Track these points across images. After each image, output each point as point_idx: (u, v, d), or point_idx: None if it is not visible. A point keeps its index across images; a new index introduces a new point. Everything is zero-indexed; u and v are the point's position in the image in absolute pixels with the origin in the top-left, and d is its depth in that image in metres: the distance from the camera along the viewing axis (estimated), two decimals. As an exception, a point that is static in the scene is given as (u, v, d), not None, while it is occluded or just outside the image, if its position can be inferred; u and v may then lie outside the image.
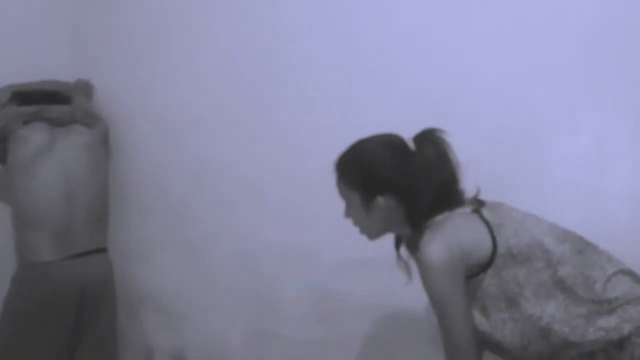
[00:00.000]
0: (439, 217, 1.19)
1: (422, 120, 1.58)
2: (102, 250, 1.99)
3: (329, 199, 1.65)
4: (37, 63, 2.20)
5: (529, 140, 1.54)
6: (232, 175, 1.99)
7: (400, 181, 1.20)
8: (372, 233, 1.30)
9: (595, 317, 1.14)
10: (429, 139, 1.23)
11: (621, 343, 1.13)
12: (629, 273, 1.19)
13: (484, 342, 1.21)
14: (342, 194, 1.29)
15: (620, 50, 1.46)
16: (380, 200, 1.21)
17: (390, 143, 1.24)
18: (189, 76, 2.08)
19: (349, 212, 1.30)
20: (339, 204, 1.74)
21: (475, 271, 1.16)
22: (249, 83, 1.96)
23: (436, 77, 1.64)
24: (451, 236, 1.15)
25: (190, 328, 2.08)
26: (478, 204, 1.23)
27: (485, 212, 1.21)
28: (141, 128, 2.20)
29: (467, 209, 1.22)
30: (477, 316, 1.18)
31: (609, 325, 1.13)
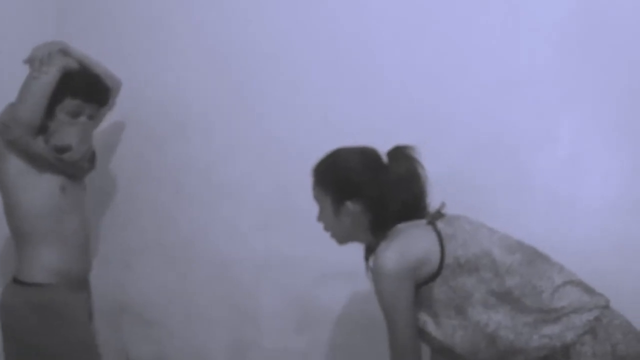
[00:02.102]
0: (397, 227, 1.28)
1: (403, 129, 1.63)
2: None
3: (311, 207, 1.66)
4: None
5: (505, 152, 1.58)
6: (213, 183, 1.99)
7: (370, 190, 1.29)
8: (340, 237, 1.39)
9: (541, 325, 1.18)
10: (402, 155, 1.32)
11: (567, 351, 1.17)
12: (578, 284, 1.23)
13: (438, 348, 1.26)
14: (317, 197, 1.38)
15: (595, 63, 1.50)
16: (349, 205, 1.30)
17: (365, 153, 1.34)
18: (170, 81, 2.08)
19: (321, 216, 1.39)
20: (321, 213, 1.75)
21: (425, 280, 1.23)
22: (231, 89, 1.96)
23: (416, 88, 1.67)
24: (405, 246, 1.24)
25: (170, 337, 2.06)
26: (436, 216, 1.30)
27: (440, 224, 1.28)
28: (121, 133, 2.19)
29: (423, 221, 1.30)
30: (430, 323, 1.24)
31: (552, 332, 1.17)
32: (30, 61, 1.73)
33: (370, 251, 1.38)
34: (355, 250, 1.68)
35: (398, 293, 1.21)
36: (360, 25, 1.77)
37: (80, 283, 1.85)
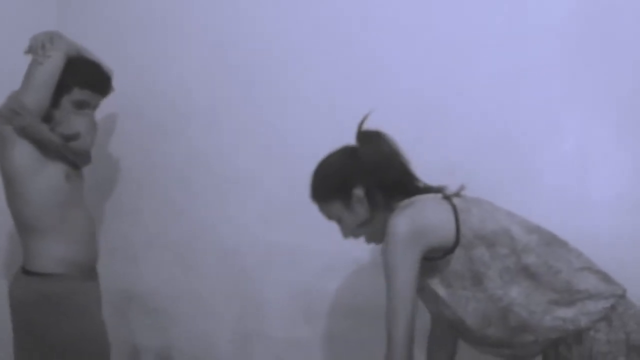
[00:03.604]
0: (410, 200, 1.30)
1: (407, 123, 1.62)
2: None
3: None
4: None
5: (511, 147, 1.57)
6: (219, 175, 1.99)
7: (360, 170, 1.31)
8: (371, 234, 1.38)
9: (554, 306, 1.19)
10: (364, 136, 1.36)
11: (579, 336, 1.17)
12: (595, 272, 1.23)
13: (450, 319, 1.27)
14: (329, 213, 1.40)
15: (601, 57, 1.49)
16: (356, 192, 1.32)
17: (335, 151, 1.39)
18: (176, 72, 2.08)
19: (343, 229, 1.40)
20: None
21: (442, 252, 1.23)
22: (236, 82, 1.96)
23: (421, 83, 1.66)
24: (417, 213, 1.24)
25: (176, 327, 2.08)
26: (453, 195, 1.32)
27: (455, 199, 1.30)
28: (126, 125, 2.20)
29: (439, 195, 1.32)
30: (444, 292, 1.25)
31: (566, 315, 1.18)
32: (31, 49, 1.71)
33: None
34: (358, 242, 1.69)
35: (403, 257, 1.21)
36: (364, 20, 1.76)
37: (90, 272, 1.85)
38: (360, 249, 1.74)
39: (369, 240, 1.40)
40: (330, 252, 1.77)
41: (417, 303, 1.24)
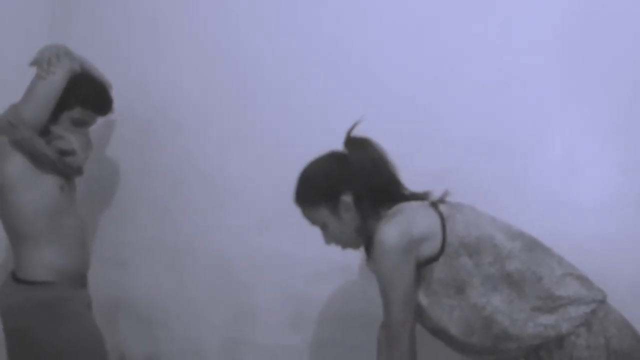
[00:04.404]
0: (399, 206, 1.30)
1: (399, 127, 1.64)
2: None
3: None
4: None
5: (501, 152, 1.59)
6: (211, 181, 1.99)
7: (349, 177, 1.32)
8: (352, 241, 1.39)
9: (537, 313, 1.19)
10: (352, 141, 1.37)
11: (561, 342, 1.18)
12: (577, 277, 1.24)
13: (432, 328, 1.27)
14: (313, 219, 1.39)
15: (590, 63, 1.51)
16: (344, 199, 1.32)
17: (323, 156, 1.39)
18: (169, 78, 2.07)
19: (328, 234, 1.39)
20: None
21: (426, 260, 1.23)
22: (228, 88, 1.97)
23: (412, 87, 1.67)
24: (406, 222, 1.24)
25: (166, 334, 2.06)
26: (439, 201, 1.32)
27: (442, 207, 1.30)
28: (118, 131, 2.19)
29: (425, 202, 1.32)
30: (427, 301, 1.24)
31: (548, 322, 1.18)
32: (36, 62, 1.71)
33: (371, 241, 1.37)
34: (348, 250, 1.69)
35: (398, 268, 1.21)
36: (358, 24, 1.77)
37: (81, 280, 1.84)
38: (351, 257, 1.75)
39: (349, 246, 1.40)
40: (321, 259, 1.77)
41: (413, 310, 1.24)
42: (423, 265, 1.24)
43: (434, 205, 1.31)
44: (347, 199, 1.31)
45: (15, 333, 1.72)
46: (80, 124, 1.79)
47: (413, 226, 1.23)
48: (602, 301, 1.22)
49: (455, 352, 1.34)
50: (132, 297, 2.14)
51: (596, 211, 1.49)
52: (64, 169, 1.76)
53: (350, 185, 1.32)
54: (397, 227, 1.22)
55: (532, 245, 1.26)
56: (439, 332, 1.27)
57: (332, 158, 1.37)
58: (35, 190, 1.70)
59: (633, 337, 1.21)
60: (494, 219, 1.30)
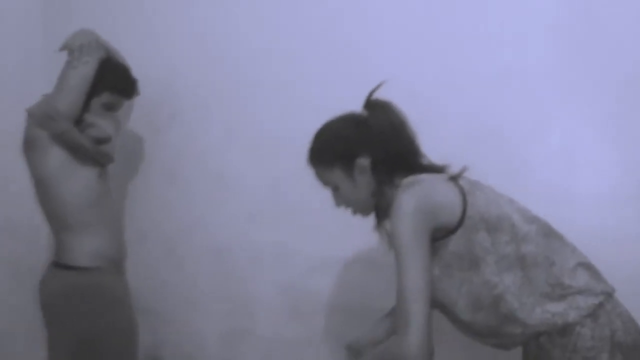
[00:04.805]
0: (415, 177, 1.24)
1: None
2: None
3: (304, 197, 1.66)
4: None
5: (498, 143, 1.58)
6: (209, 172, 1.98)
7: (367, 139, 1.27)
8: (363, 204, 1.34)
9: (545, 299, 1.18)
10: (374, 103, 1.32)
11: (564, 330, 1.17)
12: (588, 268, 1.23)
13: (440, 302, 1.24)
14: (325, 180, 1.34)
15: (590, 55, 1.50)
16: (360, 161, 1.27)
17: (342, 116, 1.34)
18: (166, 70, 2.07)
19: (337, 197, 1.34)
20: (314, 202, 1.75)
21: (443, 231, 1.19)
22: (226, 79, 1.96)
23: (410, 79, 1.66)
24: (427, 192, 1.20)
25: (164, 325, 2.07)
26: (458, 175, 1.28)
27: (461, 181, 1.26)
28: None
29: (444, 175, 1.27)
30: (438, 272, 1.21)
31: (555, 310, 1.17)
32: (68, 48, 1.70)
33: (382, 212, 1.35)
34: (347, 240, 1.69)
35: (416, 232, 1.15)
36: (358, 17, 1.76)
37: (121, 266, 1.87)
38: (349, 248, 1.75)
39: (359, 210, 1.35)
40: (319, 250, 1.77)
41: (431, 281, 1.16)
42: (438, 239, 1.20)
43: (454, 179, 1.26)
44: (363, 162, 1.27)
45: (57, 321, 1.73)
46: (110, 109, 1.80)
47: (432, 196, 1.19)
48: (611, 294, 1.21)
49: (458, 330, 1.32)
50: (131, 287, 2.14)
51: (595, 204, 1.48)
52: (100, 158, 1.78)
53: (368, 149, 1.27)
54: (415, 196, 1.17)
55: (548, 231, 1.24)
56: (445, 306, 1.25)
57: (350, 119, 1.32)
58: (76, 181, 1.72)
59: (637, 331, 1.20)
60: (511, 201, 1.27)
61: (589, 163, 1.51)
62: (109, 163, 1.86)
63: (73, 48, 1.69)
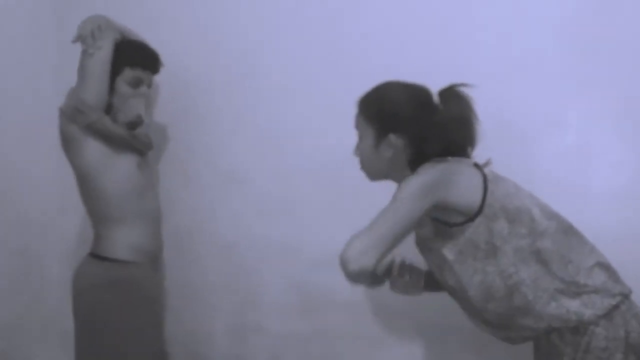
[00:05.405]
0: (442, 159, 1.23)
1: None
2: None
3: (312, 193, 1.65)
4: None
5: (514, 138, 1.56)
6: (218, 168, 1.98)
7: (415, 126, 1.24)
8: (374, 172, 1.33)
9: (559, 295, 1.17)
10: (455, 96, 1.28)
11: (577, 328, 1.16)
12: (606, 268, 1.22)
13: (452, 286, 1.24)
14: (358, 127, 1.32)
15: (604, 50, 1.48)
16: (392, 138, 1.25)
17: (415, 89, 1.29)
18: (175, 66, 2.06)
19: (358, 147, 1.33)
20: (322, 198, 1.75)
21: (461, 219, 1.19)
22: (232, 76, 1.95)
23: (423, 71, 1.62)
24: (448, 169, 1.20)
25: (173, 320, 2.07)
26: (482, 165, 1.27)
27: (485, 169, 1.25)
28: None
29: (470, 160, 1.27)
30: (453, 257, 1.21)
31: (571, 306, 1.16)
32: (81, 38, 1.68)
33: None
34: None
35: (416, 196, 1.15)
36: (361, 13, 1.74)
37: (157, 261, 1.86)
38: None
39: (367, 173, 1.33)
40: (327, 245, 1.74)
41: (401, 237, 1.18)
42: (458, 225, 1.19)
43: (478, 166, 1.25)
44: (395, 140, 1.25)
45: (88, 313, 1.71)
46: (136, 85, 1.75)
47: (453, 172, 1.19)
48: (627, 296, 1.20)
49: (468, 317, 1.31)
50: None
51: (610, 199, 1.47)
52: (137, 144, 1.76)
53: (411, 135, 1.24)
54: (435, 169, 1.18)
55: (568, 229, 1.23)
56: (458, 292, 1.25)
57: (420, 97, 1.27)
58: (115, 172, 1.70)
59: None
60: (532, 195, 1.26)
61: (604, 159, 1.49)
62: (148, 150, 1.84)
63: (85, 36, 1.67)
